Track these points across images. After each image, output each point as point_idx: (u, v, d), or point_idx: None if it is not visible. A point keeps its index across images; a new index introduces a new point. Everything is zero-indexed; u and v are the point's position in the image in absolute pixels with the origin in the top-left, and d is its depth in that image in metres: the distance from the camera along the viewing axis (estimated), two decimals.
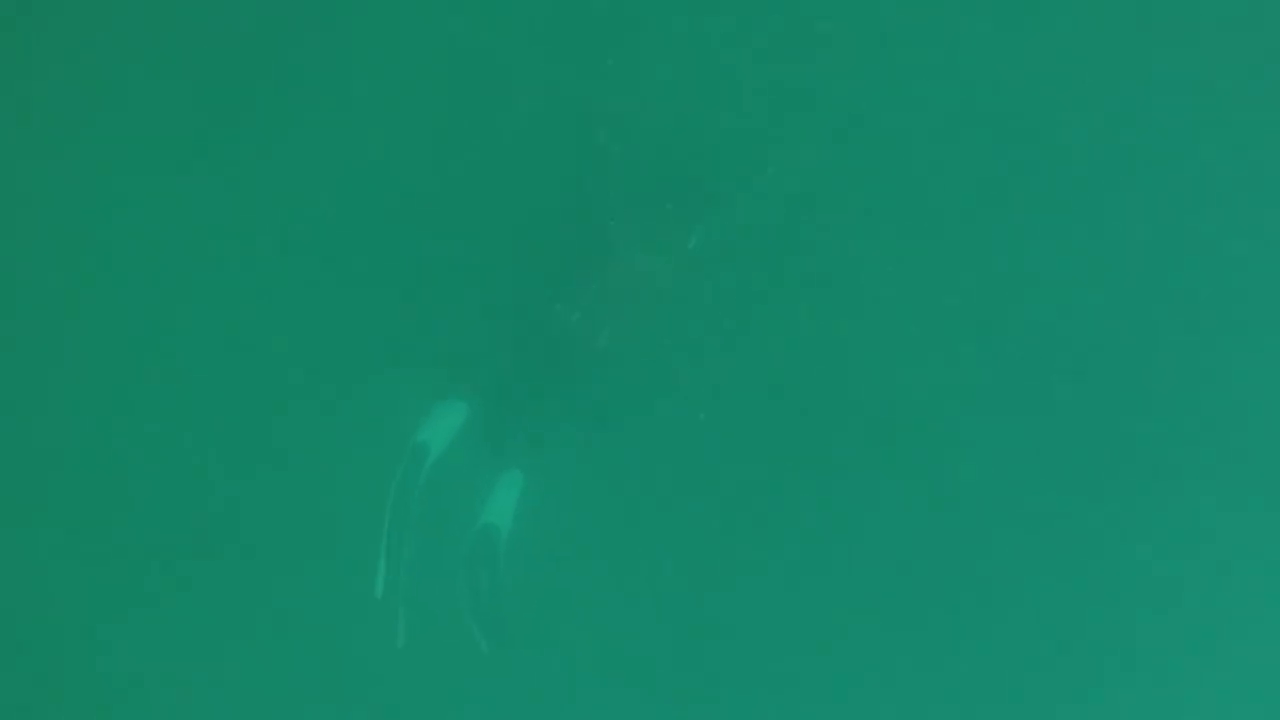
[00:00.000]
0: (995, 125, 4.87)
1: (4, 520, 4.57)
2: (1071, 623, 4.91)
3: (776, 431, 4.86)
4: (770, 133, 4.78)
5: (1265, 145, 4.84)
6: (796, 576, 4.84)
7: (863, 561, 4.84)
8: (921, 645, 4.86)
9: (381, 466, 4.20)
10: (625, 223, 4.42)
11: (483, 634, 4.19)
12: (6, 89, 4.63)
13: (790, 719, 4.86)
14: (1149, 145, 4.87)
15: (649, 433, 4.69)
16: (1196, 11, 4.84)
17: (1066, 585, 4.91)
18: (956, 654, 4.87)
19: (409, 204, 4.70)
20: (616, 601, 4.80)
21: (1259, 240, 4.87)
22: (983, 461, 4.86)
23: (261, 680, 4.66)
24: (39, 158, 4.62)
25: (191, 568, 4.60)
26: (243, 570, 4.62)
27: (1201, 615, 4.89)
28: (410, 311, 4.69)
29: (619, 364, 4.43)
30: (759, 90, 4.79)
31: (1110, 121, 4.88)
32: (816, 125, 4.84)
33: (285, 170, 4.67)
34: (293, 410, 4.64)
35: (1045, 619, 4.90)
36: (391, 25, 4.75)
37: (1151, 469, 4.90)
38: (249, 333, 4.66)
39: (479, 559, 4.23)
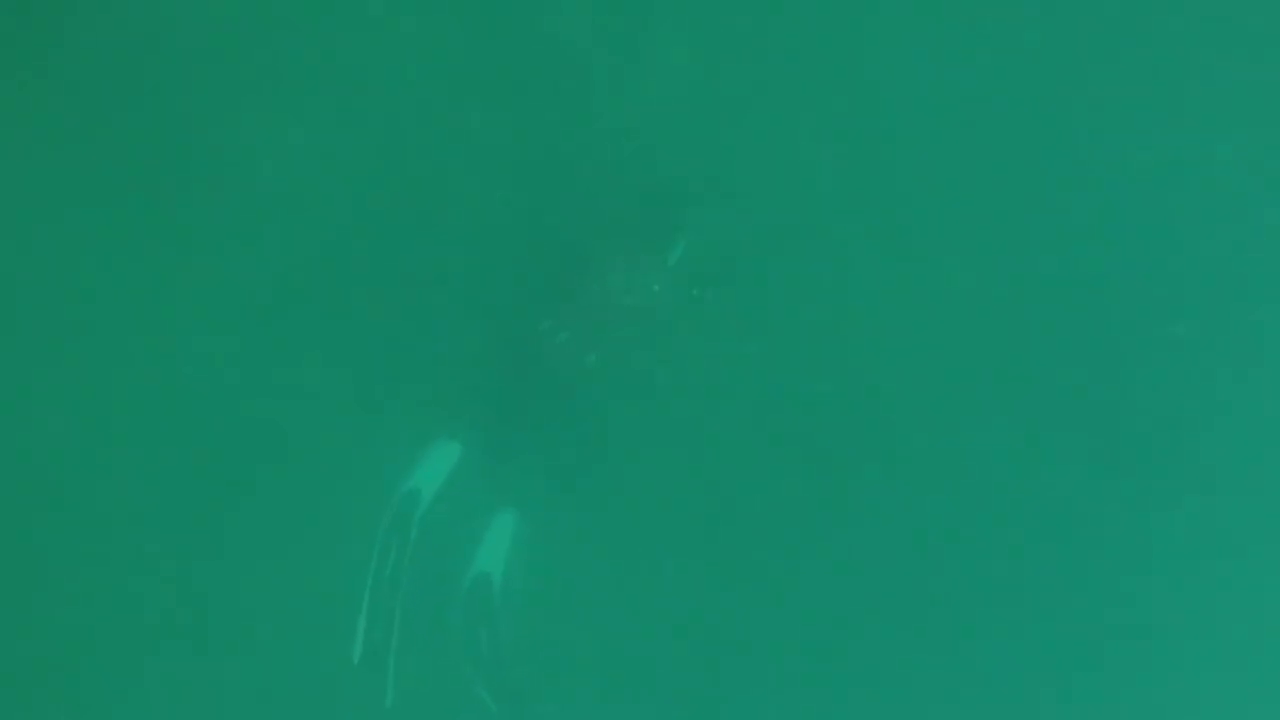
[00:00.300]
0: (987, 127, 4.82)
1: None
2: (1075, 624, 4.89)
3: (773, 441, 4.81)
4: (749, 145, 4.75)
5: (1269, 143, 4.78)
6: (802, 593, 4.79)
7: (863, 583, 4.80)
8: (924, 647, 4.83)
9: (371, 512, 4.08)
10: (607, 239, 4.38)
11: (489, 693, 4.01)
12: None
13: None
14: (1149, 143, 4.81)
15: (642, 448, 4.63)
16: (1199, 12, 4.77)
17: (1070, 586, 4.89)
18: (959, 655, 4.85)
19: (392, 226, 4.66)
20: (620, 636, 4.69)
21: (1262, 238, 4.83)
22: (982, 465, 4.83)
23: None
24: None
25: (171, 615, 4.46)
26: (226, 622, 4.46)
27: (1204, 616, 4.86)
28: (396, 338, 4.62)
29: (609, 381, 4.36)
30: (737, 103, 4.75)
31: (1111, 120, 4.83)
32: (797, 136, 4.79)
33: (266, 197, 4.62)
34: (281, 454, 4.52)
35: (1049, 620, 4.88)
36: (375, 44, 4.72)
37: (1156, 469, 4.87)
38: (231, 374, 4.56)
39: (476, 611, 4.05)
